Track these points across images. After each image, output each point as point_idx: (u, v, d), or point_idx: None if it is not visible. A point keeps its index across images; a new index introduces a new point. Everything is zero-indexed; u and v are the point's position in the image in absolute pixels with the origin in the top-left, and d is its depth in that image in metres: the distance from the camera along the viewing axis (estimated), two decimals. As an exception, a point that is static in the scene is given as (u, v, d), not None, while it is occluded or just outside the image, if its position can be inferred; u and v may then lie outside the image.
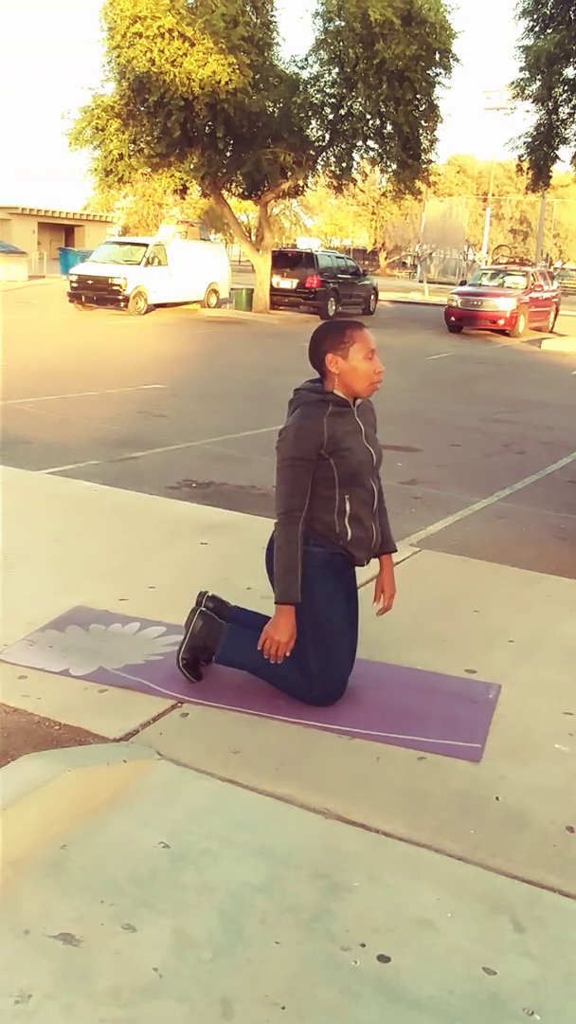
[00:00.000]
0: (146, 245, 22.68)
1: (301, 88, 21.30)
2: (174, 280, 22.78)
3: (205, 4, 19.92)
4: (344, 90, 21.24)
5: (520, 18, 20.12)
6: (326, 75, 21.65)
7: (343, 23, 20.18)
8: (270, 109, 21.35)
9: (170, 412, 9.39)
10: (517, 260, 29.47)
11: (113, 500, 5.54)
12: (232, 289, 25.39)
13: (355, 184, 25.30)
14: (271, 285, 23.92)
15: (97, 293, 21.29)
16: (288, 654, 2.95)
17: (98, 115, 20.63)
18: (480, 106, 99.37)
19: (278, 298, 24.09)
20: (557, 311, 25.04)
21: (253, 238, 28.23)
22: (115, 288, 21.07)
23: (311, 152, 22.55)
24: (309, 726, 2.92)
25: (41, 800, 2.36)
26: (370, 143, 22.90)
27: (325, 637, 3.00)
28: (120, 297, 21.10)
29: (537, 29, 19.87)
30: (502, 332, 21.88)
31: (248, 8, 21.05)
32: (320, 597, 2.99)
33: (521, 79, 20.12)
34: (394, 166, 22.72)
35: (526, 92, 20.24)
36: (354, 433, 2.99)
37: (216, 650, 3.12)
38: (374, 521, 3.09)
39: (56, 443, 7.55)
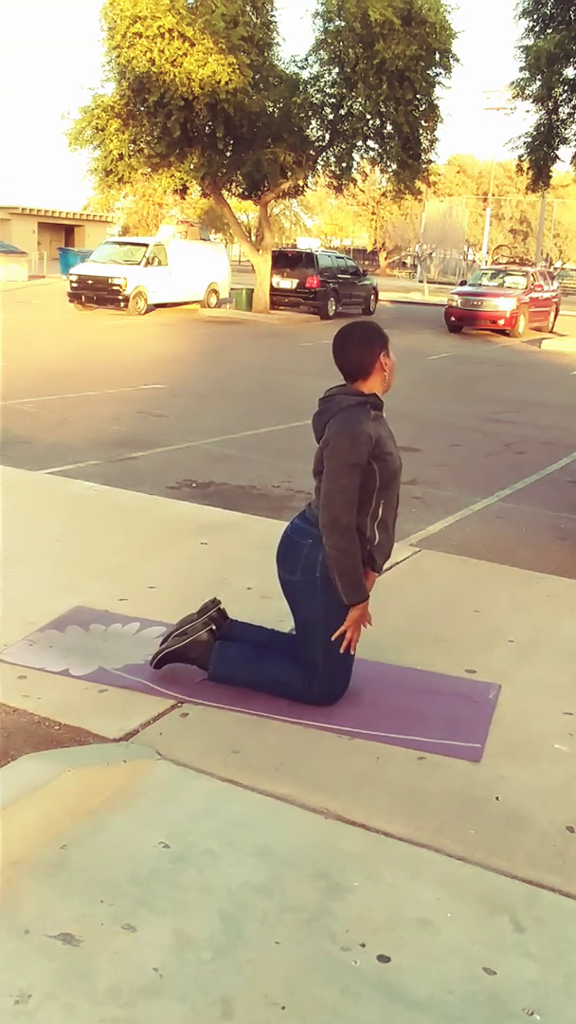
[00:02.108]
0: (146, 245, 22.68)
1: (301, 88, 21.30)
2: (174, 280, 22.78)
3: (205, 4, 19.92)
4: (344, 90, 21.24)
5: (520, 18, 20.13)
6: (326, 75, 21.65)
7: (343, 23, 20.18)
8: (270, 109, 21.35)
9: (170, 412, 9.39)
10: (517, 260, 29.47)
11: (113, 500, 5.54)
12: (232, 289, 25.39)
13: (355, 184, 25.29)
14: (271, 285, 23.92)
15: (97, 293, 21.29)
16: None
17: (98, 115, 20.63)
18: (480, 106, 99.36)
19: (278, 298, 24.09)
20: (557, 311, 25.04)
21: (253, 238, 28.23)
22: (115, 288, 21.07)
23: (311, 152, 22.55)
24: (309, 726, 2.92)
25: (41, 800, 2.36)
26: (370, 143, 22.91)
27: (332, 634, 3.00)
28: (120, 297, 21.10)
29: (537, 29, 19.87)
30: (502, 332, 21.88)
31: (248, 8, 21.04)
32: (335, 592, 2.97)
33: (521, 79, 20.12)
34: (394, 166, 22.72)
35: (526, 92, 20.24)
36: (390, 437, 3.01)
37: (208, 667, 3.12)
38: (394, 528, 3.09)
39: (56, 443, 7.55)
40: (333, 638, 2.95)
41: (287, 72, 21.98)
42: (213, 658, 3.10)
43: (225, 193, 24.21)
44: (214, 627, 3.15)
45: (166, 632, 3.25)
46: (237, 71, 19.62)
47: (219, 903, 2.09)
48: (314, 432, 3.06)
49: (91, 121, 20.72)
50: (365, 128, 22.09)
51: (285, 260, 24.49)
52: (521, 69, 19.95)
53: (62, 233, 48.34)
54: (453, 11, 24.26)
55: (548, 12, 19.68)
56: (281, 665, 3.05)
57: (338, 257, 27.38)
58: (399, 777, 2.68)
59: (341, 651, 2.97)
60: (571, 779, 2.72)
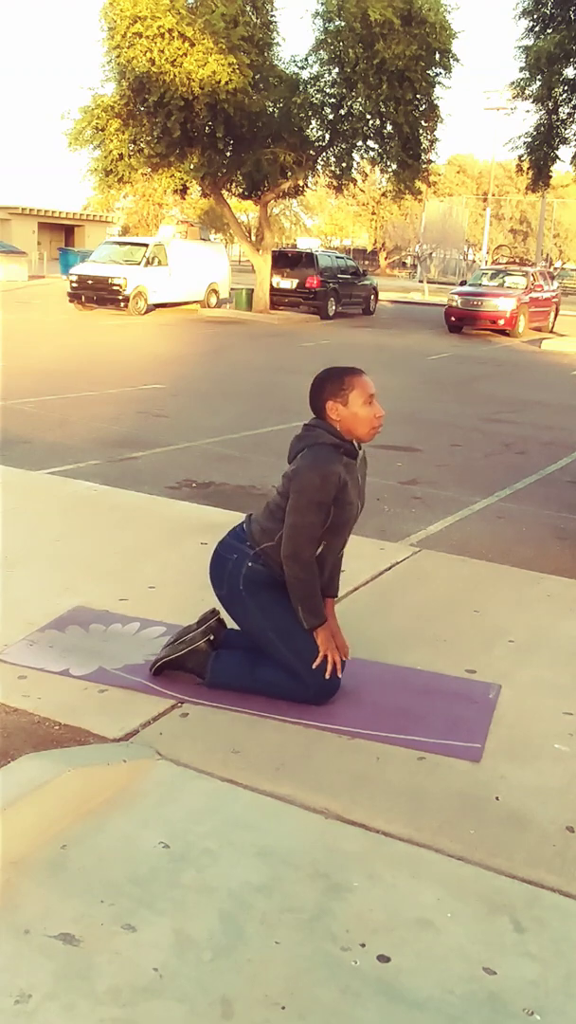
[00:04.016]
0: (146, 245, 22.69)
1: (301, 88, 21.31)
2: (174, 280, 22.79)
3: (205, 4, 19.92)
4: (344, 90, 21.25)
5: (520, 18, 20.14)
6: (326, 75, 21.67)
7: (343, 23, 20.18)
8: (270, 109, 21.35)
9: (170, 412, 9.40)
10: (517, 260, 29.48)
11: (113, 500, 5.54)
12: (232, 289, 25.40)
13: (355, 184, 25.30)
14: (271, 285, 23.92)
15: (97, 293, 21.30)
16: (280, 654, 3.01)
17: (98, 115, 20.63)
18: (480, 106, 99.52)
19: (278, 298, 24.10)
20: (557, 311, 25.05)
21: (253, 238, 28.25)
22: (115, 288, 21.08)
23: (311, 152, 22.56)
24: (309, 726, 2.92)
25: (41, 800, 2.36)
26: (370, 143, 22.92)
27: (292, 636, 3.02)
28: (120, 297, 21.11)
29: (537, 29, 19.88)
30: (502, 332, 21.88)
31: (248, 8, 21.06)
32: (270, 603, 3.05)
33: (521, 79, 20.13)
34: (394, 166, 22.73)
35: (526, 92, 20.26)
36: (354, 486, 3.04)
37: (204, 675, 3.13)
38: (329, 569, 3.16)
39: (56, 443, 7.55)
40: (314, 666, 2.99)
41: (287, 72, 21.99)
42: (209, 666, 3.12)
43: (225, 193, 24.21)
44: (212, 637, 3.16)
45: (165, 642, 3.25)
46: (237, 71, 19.62)
47: (219, 903, 2.09)
48: (289, 453, 3.11)
49: (91, 121, 20.72)
50: (365, 128, 22.10)
51: (285, 260, 24.50)
52: (521, 69, 19.97)
53: (62, 233, 48.36)
54: (453, 11, 24.30)
55: (548, 12, 19.69)
56: (275, 669, 3.06)
57: (338, 257, 27.38)
58: (399, 777, 2.68)
59: (327, 676, 3.00)
60: (571, 779, 2.72)
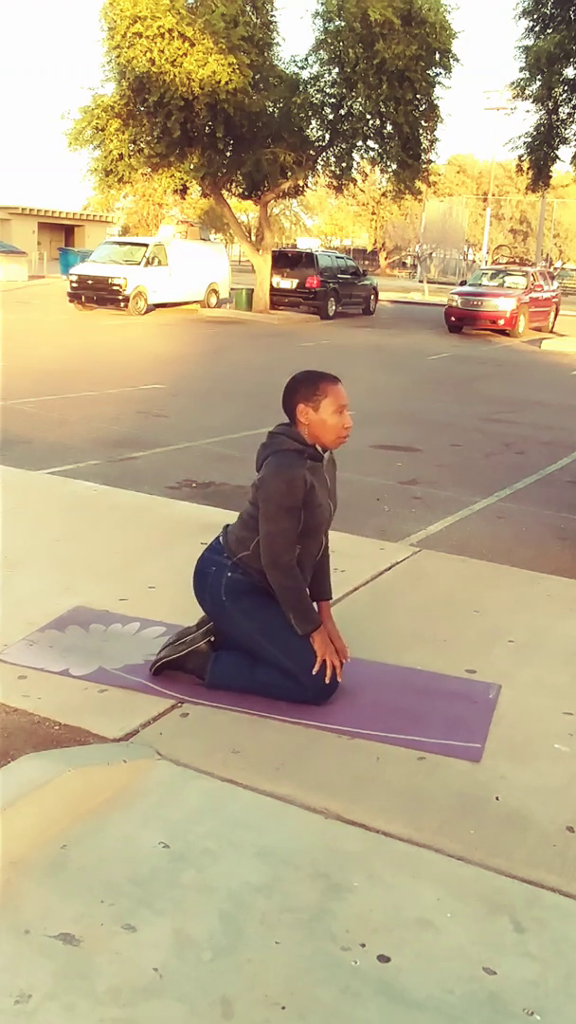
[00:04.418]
0: (146, 245, 22.69)
1: (301, 88, 21.31)
2: (174, 280, 22.79)
3: (205, 4, 19.93)
4: (344, 90, 21.25)
5: (520, 18, 20.14)
6: (326, 75, 21.67)
7: (343, 23, 20.18)
8: (270, 109, 21.35)
9: (170, 412, 9.40)
10: (517, 260, 29.48)
11: (113, 500, 5.54)
12: (232, 289, 25.40)
13: (355, 184, 25.30)
14: (271, 285, 23.92)
15: (97, 293, 21.30)
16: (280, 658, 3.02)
17: (98, 115, 20.64)
18: (480, 106, 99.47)
19: (278, 298, 24.10)
20: (557, 311, 25.05)
21: (253, 238, 28.24)
22: (115, 288, 21.08)
23: (311, 152, 22.56)
24: (309, 726, 2.92)
25: (41, 800, 2.36)
26: (370, 143, 22.93)
27: (281, 637, 3.03)
28: (120, 297, 21.11)
29: (537, 29, 19.88)
30: (502, 332, 21.88)
31: (248, 8, 21.06)
32: (253, 608, 3.06)
33: (521, 79, 20.13)
34: (394, 166, 22.73)
35: (526, 92, 20.26)
36: (322, 488, 3.06)
37: (204, 676, 3.13)
38: (310, 572, 3.16)
39: (56, 443, 7.55)
40: (314, 672, 2.99)
41: (287, 72, 21.99)
42: (209, 667, 3.12)
43: (225, 193, 24.22)
44: (212, 638, 3.17)
45: (164, 643, 3.25)
46: (237, 71, 19.62)
47: (219, 903, 2.09)
48: (256, 461, 3.12)
49: (91, 121, 20.73)
50: (365, 128, 22.10)
51: (285, 260, 24.50)
52: (521, 69, 19.98)
53: (62, 233, 48.36)
54: (453, 11, 24.32)
55: (548, 12, 19.69)
56: (273, 670, 3.06)
57: (338, 257, 27.38)
58: (399, 777, 2.68)
59: (327, 681, 3.00)
60: (571, 779, 2.72)
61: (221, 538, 3.21)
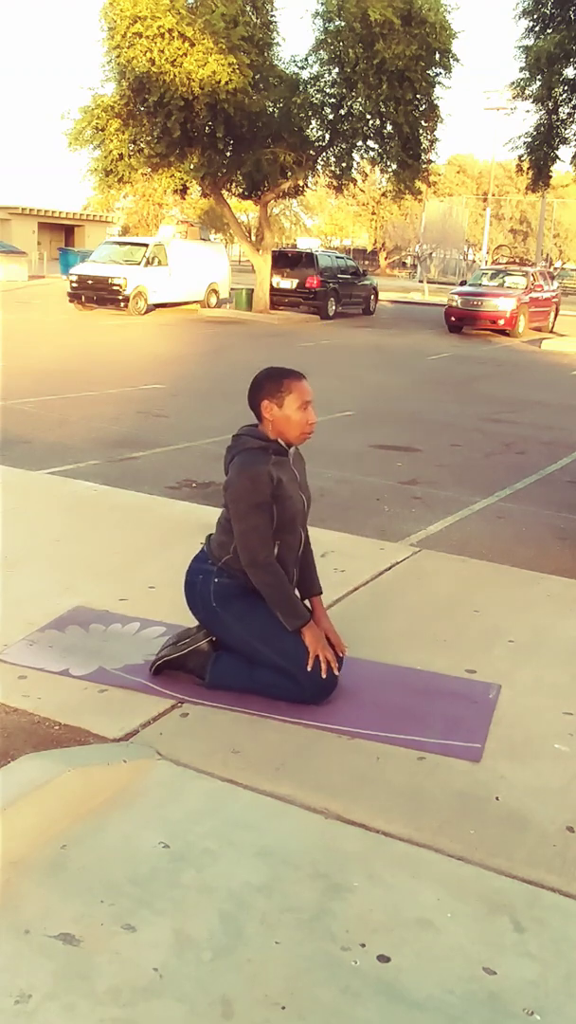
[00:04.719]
0: (146, 245, 22.69)
1: (301, 88, 21.31)
2: (174, 280, 22.79)
3: (205, 4, 19.93)
4: (344, 90, 21.25)
5: (520, 18, 20.14)
6: (326, 75, 21.67)
7: (343, 23, 20.19)
8: (270, 109, 21.36)
9: (170, 412, 9.40)
10: (517, 260, 29.47)
11: (113, 500, 5.54)
12: (232, 289, 25.40)
13: (355, 184, 25.31)
14: (271, 285, 23.92)
15: (97, 293, 21.30)
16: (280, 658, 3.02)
17: (98, 115, 20.64)
18: (480, 106, 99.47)
19: (278, 298, 24.10)
20: (557, 311, 25.04)
21: (253, 238, 28.24)
22: (115, 288, 21.08)
23: (311, 152, 22.56)
24: (309, 726, 2.92)
25: (41, 800, 2.36)
26: (370, 143, 22.93)
27: (274, 638, 3.03)
28: (120, 297, 21.11)
29: (537, 29, 19.88)
30: (502, 332, 21.88)
31: (248, 8, 21.06)
32: (244, 611, 3.06)
33: (521, 79, 20.13)
34: (394, 166, 22.73)
35: (526, 92, 20.26)
36: (292, 481, 3.08)
37: (204, 676, 3.14)
38: (295, 567, 3.17)
39: (56, 443, 7.55)
40: (309, 668, 2.98)
41: (287, 72, 22.00)
42: (208, 667, 3.12)
43: (225, 193, 24.22)
44: (214, 638, 3.17)
45: (164, 643, 3.25)
46: (237, 71, 19.62)
47: (219, 903, 2.09)
48: (224, 465, 3.14)
49: (91, 121, 20.73)
50: (365, 128, 22.10)
51: (285, 260, 24.50)
52: (521, 69, 19.98)
53: (62, 233, 48.36)
54: (453, 11, 24.34)
55: (548, 12, 19.69)
56: (272, 671, 3.06)
57: (338, 257, 27.37)
58: (399, 777, 2.68)
59: (324, 675, 3.00)
60: (571, 779, 2.72)
61: (205, 546, 3.23)
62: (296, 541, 3.14)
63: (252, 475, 2.96)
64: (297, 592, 3.18)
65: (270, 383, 3.06)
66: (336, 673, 3.05)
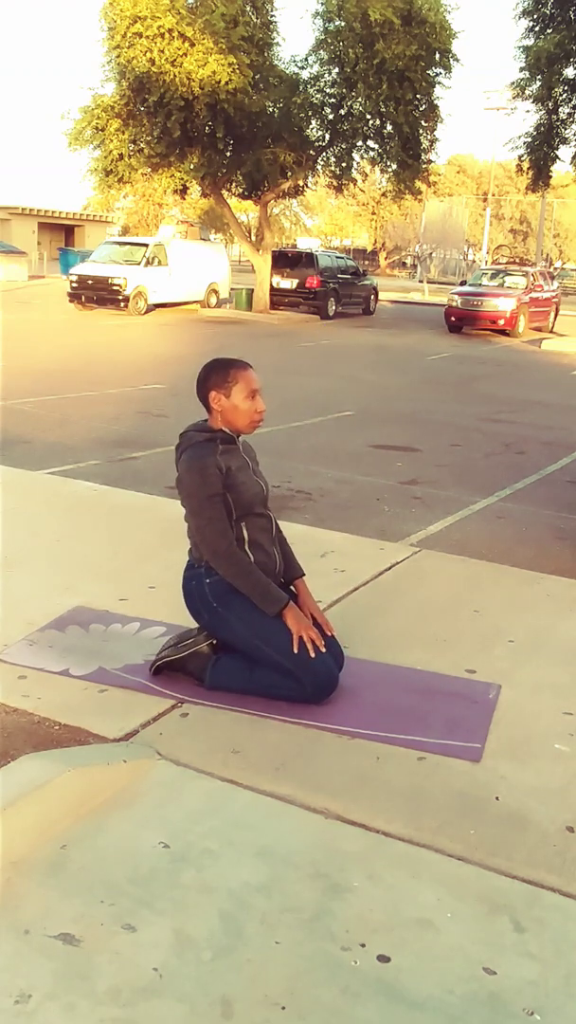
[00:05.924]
0: (146, 245, 22.70)
1: (301, 88, 21.31)
2: (174, 280, 22.79)
3: (205, 4, 19.92)
4: (344, 90, 21.25)
5: (520, 18, 20.14)
6: (326, 75, 21.67)
7: (343, 23, 20.19)
8: (270, 109, 21.36)
9: (170, 412, 9.39)
10: (517, 260, 29.48)
11: (113, 500, 5.54)
12: (232, 289, 25.40)
13: (355, 184, 25.30)
14: (271, 285, 23.92)
15: (97, 293, 21.31)
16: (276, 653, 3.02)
17: (98, 115, 20.63)
18: (480, 106, 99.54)
19: (278, 298, 24.10)
20: (557, 311, 25.04)
21: (253, 238, 28.24)
22: (115, 288, 21.08)
23: (311, 152, 22.56)
24: (309, 726, 2.92)
25: (41, 800, 2.36)
26: (370, 143, 22.93)
27: (276, 637, 3.02)
28: (120, 297, 21.11)
29: (537, 29, 19.88)
30: (502, 332, 21.88)
31: (248, 8, 21.05)
32: (245, 610, 3.05)
33: (521, 79, 20.13)
34: (394, 166, 22.73)
35: (526, 92, 20.25)
36: (244, 468, 3.11)
37: (203, 678, 3.13)
38: (275, 547, 3.19)
39: (56, 443, 7.55)
40: (296, 650, 2.98)
41: (287, 72, 21.99)
42: (208, 669, 3.12)
43: (225, 193, 24.22)
44: (215, 640, 3.17)
45: (165, 644, 3.25)
46: (237, 71, 19.62)
47: (219, 903, 2.09)
48: (175, 465, 3.18)
49: (91, 121, 20.72)
50: (365, 128, 22.10)
51: (285, 260, 24.50)
52: (521, 69, 19.97)
53: (62, 233, 48.36)
54: (453, 11, 24.29)
55: (548, 12, 19.69)
56: (272, 671, 3.06)
57: (338, 257, 27.37)
58: (399, 777, 2.68)
59: (312, 655, 2.99)
60: (571, 779, 2.72)
61: (190, 556, 3.25)
62: (266, 522, 3.16)
63: (200, 468, 3.00)
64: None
65: (216, 374, 3.09)
66: (323, 651, 3.03)
